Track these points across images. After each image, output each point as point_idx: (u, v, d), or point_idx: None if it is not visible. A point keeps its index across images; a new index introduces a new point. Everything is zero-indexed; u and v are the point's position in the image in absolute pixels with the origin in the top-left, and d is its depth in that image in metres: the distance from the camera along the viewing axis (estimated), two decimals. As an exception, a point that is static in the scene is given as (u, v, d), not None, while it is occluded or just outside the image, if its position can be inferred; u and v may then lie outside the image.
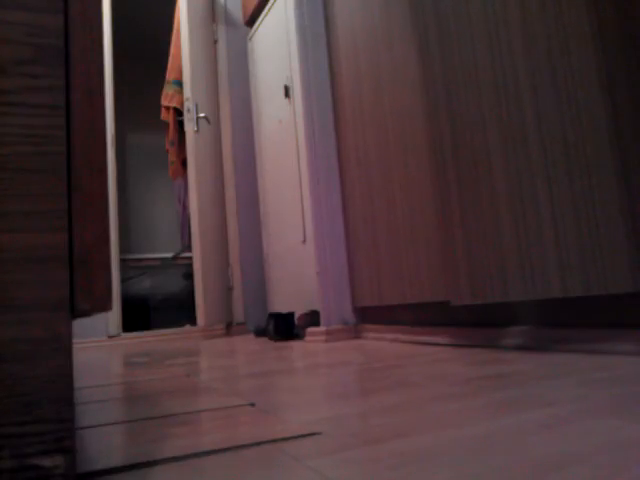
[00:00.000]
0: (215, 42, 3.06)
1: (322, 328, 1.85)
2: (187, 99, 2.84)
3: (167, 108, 3.29)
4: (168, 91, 3.24)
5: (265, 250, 2.47)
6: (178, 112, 3.26)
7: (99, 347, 2.61)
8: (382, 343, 1.59)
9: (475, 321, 1.35)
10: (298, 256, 2.08)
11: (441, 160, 1.30)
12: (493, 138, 1.19)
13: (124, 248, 4.36)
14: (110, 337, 2.73)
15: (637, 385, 0.67)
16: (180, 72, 3.13)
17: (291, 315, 2.10)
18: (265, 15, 2.39)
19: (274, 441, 0.55)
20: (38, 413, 0.42)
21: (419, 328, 1.53)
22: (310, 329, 1.93)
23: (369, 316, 1.86)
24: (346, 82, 1.90)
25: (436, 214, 1.38)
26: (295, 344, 1.85)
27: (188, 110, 2.83)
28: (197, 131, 2.81)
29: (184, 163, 3.27)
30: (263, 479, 0.43)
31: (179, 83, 3.18)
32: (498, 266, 1.17)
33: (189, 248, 3.54)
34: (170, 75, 3.23)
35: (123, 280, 3.72)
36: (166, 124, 3.38)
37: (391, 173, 1.61)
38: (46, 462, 0.41)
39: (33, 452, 0.41)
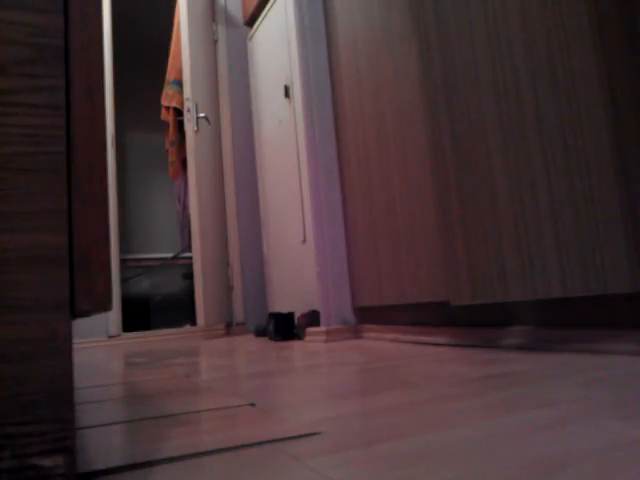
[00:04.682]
0: (215, 42, 3.06)
1: (322, 328, 1.85)
2: (187, 99, 2.84)
3: (167, 108, 3.29)
4: (168, 91, 3.24)
5: (265, 250, 2.47)
6: (178, 112, 3.26)
7: (99, 347, 2.61)
8: (382, 343, 1.59)
9: (475, 321, 1.35)
10: (298, 256, 2.08)
11: (441, 160, 1.30)
12: (493, 138, 1.19)
13: (124, 248, 4.36)
14: (110, 337, 2.73)
15: (637, 385, 0.67)
16: (180, 72, 3.13)
17: (291, 315, 2.10)
18: (265, 15, 2.39)
19: (274, 441, 0.55)
20: (38, 413, 0.42)
21: (419, 328, 1.53)
22: (310, 329, 1.93)
23: (369, 316, 1.86)
24: (346, 82, 1.90)
25: (436, 214, 1.38)
26: (295, 344, 1.85)
27: (188, 110, 2.83)
28: (197, 131, 2.81)
29: (184, 163, 3.27)
30: (263, 479, 0.43)
31: (179, 83, 3.18)
32: (498, 266, 1.17)
33: (189, 248, 3.55)
34: (170, 75, 3.23)
35: (123, 280, 3.72)
36: (166, 124, 3.38)
37: (391, 173, 1.61)
38: (46, 462, 0.41)
39: (33, 452, 0.41)
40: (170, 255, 4.19)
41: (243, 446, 0.54)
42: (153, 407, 0.80)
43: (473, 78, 1.24)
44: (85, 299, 0.45)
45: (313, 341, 1.89)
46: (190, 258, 3.78)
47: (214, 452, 0.52)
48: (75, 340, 2.65)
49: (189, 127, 2.84)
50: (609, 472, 0.38)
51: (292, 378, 1.00)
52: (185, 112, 2.87)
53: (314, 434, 0.56)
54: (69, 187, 0.46)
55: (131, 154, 4.65)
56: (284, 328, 2.07)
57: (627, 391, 0.64)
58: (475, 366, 0.96)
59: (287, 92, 2.14)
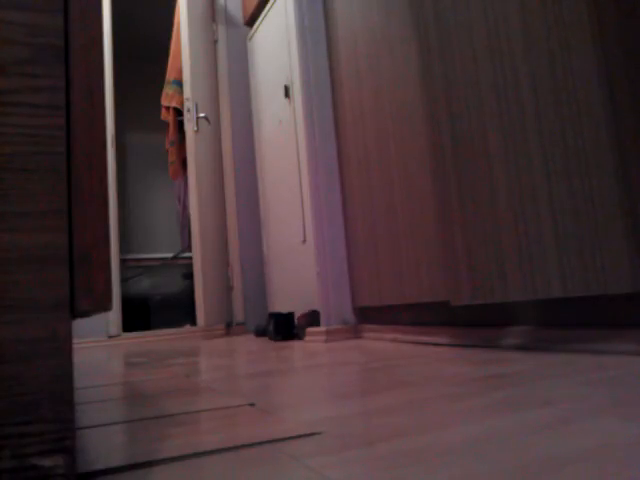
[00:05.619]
0: (215, 42, 3.06)
1: (322, 328, 1.85)
2: (187, 99, 2.84)
3: (167, 108, 3.29)
4: (168, 91, 3.24)
5: (265, 250, 2.47)
6: (178, 112, 3.26)
7: (99, 347, 2.61)
8: (382, 343, 1.59)
9: (475, 321, 1.35)
10: (298, 256, 2.08)
11: (441, 160, 1.30)
12: (493, 138, 1.19)
13: (124, 248, 4.36)
14: (110, 337, 2.73)
15: (637, 385, 0.67)
16: (180, 72, 3.13)
17: (291, 315, 2.10)
18: (265, 15, 2.39)
19: (274, 441, 0.55)
20: (38, 413, 0.42)
21: (419, 328, 1.53)
22: (310, 329, 1.93)
23: (369, 316, 1.86)
24: (346, 82, 1.90)
25: (436, 214, 1.38)
26: (295, 344, 1.85)
27: (188, 110, 2.83)
28: (197, 131, 2.81)
29: (184, 163, 3.26)
30: (263, 479, 0.43)
31: (179, 83, 3.18)
32: (498, 266, 1.17)
33: (189, 248, 3.54)
34: (170, 75, 3.23)
35: (123, 280, 3.72)
36: (166, 124, 3.38)
37: (391, 173, 1.61)
38: (46, 462, 0.41)
39: (33, 452, 0.41)
40: (170, 255, 4.19)
41: (243, 446, 0.54)
42: (153, 407, 0.80)
43: (473, 78, 1.24)
44: (85, 299, 0.45)
45: (313, 341, 1.89)
46: (190, 258, 3.77)
47: (214, 452, 0.52)
48: (75, 340, 2.65)
49: (189, 127, 2.84)
50: (609, 472, 0.38)
51: (292, 378, 1.00)
52: (185, 112, 2.87)
53: (314, 434, 0.56)
54: (69, 187, 0.46)
55: (131, 154, 4.65)
56: (284, 328, 2.07)
57: (627, 391, 0.64)
58: (475, 366, 0.96)
59: (287, 92, 2.14)
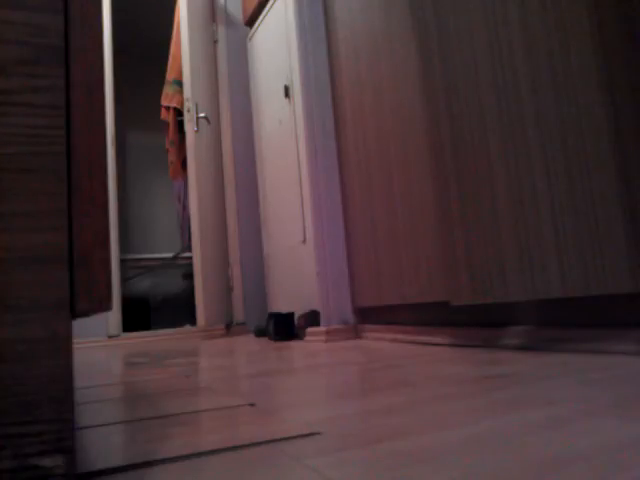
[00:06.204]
0: (215, 42, 3.06)
1: (322, 328, 1.85)
2: (187, 99, 2.84)
3: (167, 108, 3.29)
4: (168, 91, 3.24)
5: (265, 250, 2.47)
6: (178, 112, 3.26)
7: (99, 347, 2.61)
8: (382, 343, 1.59)
9: (475, 321, 1.35)
10: (298, 256, 2.08)
11: (441, 160, 1.30)
12: (493, 138, 1.19)
13: (124, 248, 4.36)
14: (110, 337, 2.73)
15: (637, 385, 0.67)
16: (180, 72, 3.13)
17: (291, 315, 2.10)
18: (265, 15, 2.39)
19: (274, 441, 0.55)
20: (38, 413, 0.42)
21: (419, 328, 1.53)
22: (310, 329, 1.93)
23: (369, 316, 1.86)
24: (346, 82, 1.90)
25: (436, 214, 1.38)
26: (295, 344, 1.85)
27: (188, 110, 2.83)
28: (197, 131, 2.81)
29: (184, 163, 3.26)
30: (263, 479, 0.43)
31: (179, 83, 3.18)
32: (498, 266, 1.17)
33: (189, 248, 3.55)
34: (170, 75, 3.23)
35: (123, 280, 3.72)
36: (166, 124, 3.38)
37: (391, 173, 1.61)
38: (46, 462, 0.41)
39: (33, 452, 0.41)
40: (170, 255, 4.19)
41: (243, 446, 0.54)
42: (153, 407, 0.80)
43: (473, 78, 1.24)
44: (85, 299, 0.45)
45: (313, 341, 1.89)
46: (190, 258, 3.77)
47: (214, 452, 0.52)
48: (75, 340, 2.65)
49: (189, 127, 2.83)
50: (609, 472, 0.38)
51: (292, 378, 1.00)
52: (185, 112, 2.87)
53: (314, 434, 0.56)
54: (69, 187, 0.46)
55: (131, 154, 4.65)
56: (284, 328, 2.07)
57: (627, 391, 0.64)
58: (475, 366, 0.96)
59: (287, 92, 2.14)
